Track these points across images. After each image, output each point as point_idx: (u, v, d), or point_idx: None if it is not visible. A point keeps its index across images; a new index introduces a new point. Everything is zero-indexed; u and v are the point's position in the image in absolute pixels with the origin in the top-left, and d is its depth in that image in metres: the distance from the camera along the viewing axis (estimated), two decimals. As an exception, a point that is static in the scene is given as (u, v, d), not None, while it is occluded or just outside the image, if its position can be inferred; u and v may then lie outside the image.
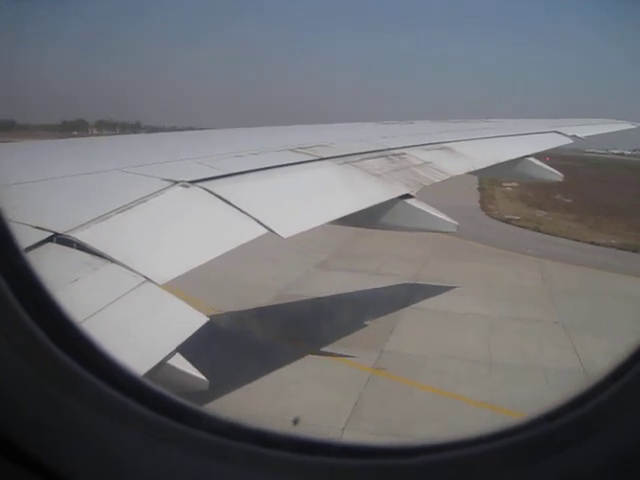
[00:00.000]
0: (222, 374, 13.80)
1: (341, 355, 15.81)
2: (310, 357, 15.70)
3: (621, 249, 30.97)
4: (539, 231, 35.58)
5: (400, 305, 19.95)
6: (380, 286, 22.27)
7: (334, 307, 19.60)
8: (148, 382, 2.02)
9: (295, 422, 10.96)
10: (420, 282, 22.90)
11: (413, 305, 20.25)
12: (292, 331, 17.00)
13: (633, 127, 23.65)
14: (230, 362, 14.24)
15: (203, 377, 4.80)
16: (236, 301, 18.59)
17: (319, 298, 20.31)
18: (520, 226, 37.34)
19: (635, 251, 30.21)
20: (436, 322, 18.88)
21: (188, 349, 4.61)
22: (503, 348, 17.09)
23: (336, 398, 13.75)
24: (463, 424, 11.70)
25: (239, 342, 15.59)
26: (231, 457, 1.77)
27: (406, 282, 22.78)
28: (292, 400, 13.28)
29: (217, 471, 1.77)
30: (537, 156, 16.80)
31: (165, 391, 1.94)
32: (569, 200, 49.96)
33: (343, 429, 12.22)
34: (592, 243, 32.19)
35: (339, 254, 26.14)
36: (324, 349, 16.03)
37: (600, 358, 14.98)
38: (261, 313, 18.45)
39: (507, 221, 38.91)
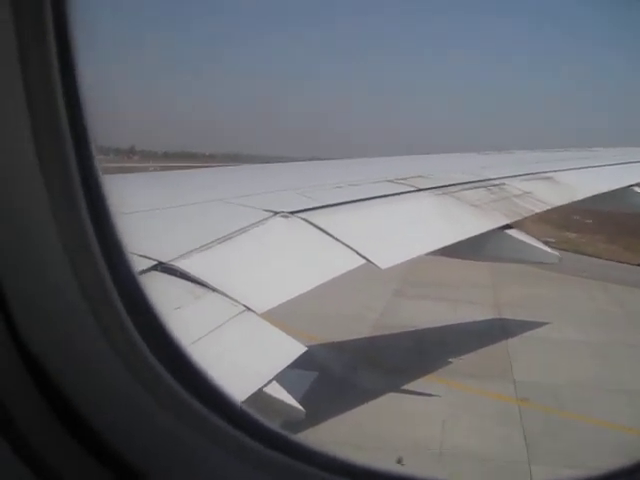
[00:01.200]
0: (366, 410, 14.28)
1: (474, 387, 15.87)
2: (445, 387, 15.70)
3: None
4: (581, 253, 34.61)
5: (498, 334, 19.82)
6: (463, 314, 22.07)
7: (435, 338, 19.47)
8: (250, 411, 2.05)
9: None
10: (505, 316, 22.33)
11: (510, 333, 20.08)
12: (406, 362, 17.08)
13: None
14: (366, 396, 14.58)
15: (300, 406, 4.83)
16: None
17: (417, 329, 20.13)
18: (560, 249, 36.10)
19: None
20: (541, 349, 18.65)
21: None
22: (626, 373, 16.88)
23: (501, 431, 13.74)
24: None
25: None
26: None
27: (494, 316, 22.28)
28: (455, 436, 13.40)
29: None
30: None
31: (267, 421, 1.96)
32: (589, 221, 47.95)
33: (529, 463, 12.34)
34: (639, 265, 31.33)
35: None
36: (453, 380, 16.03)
37: None
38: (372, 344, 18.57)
39: (545, 243, 37.62)
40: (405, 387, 15.24)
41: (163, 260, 4.92)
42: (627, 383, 16.21)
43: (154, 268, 4.78)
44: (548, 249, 11.53)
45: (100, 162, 1.81)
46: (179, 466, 1.82)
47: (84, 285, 1.76)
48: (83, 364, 1.80)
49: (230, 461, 1.81)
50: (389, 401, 14.63)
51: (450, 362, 17.00)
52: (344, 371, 16.18)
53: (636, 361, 17.79)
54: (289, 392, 4.74)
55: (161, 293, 4.73)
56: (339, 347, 17.70)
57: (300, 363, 4.77)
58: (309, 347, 5.11)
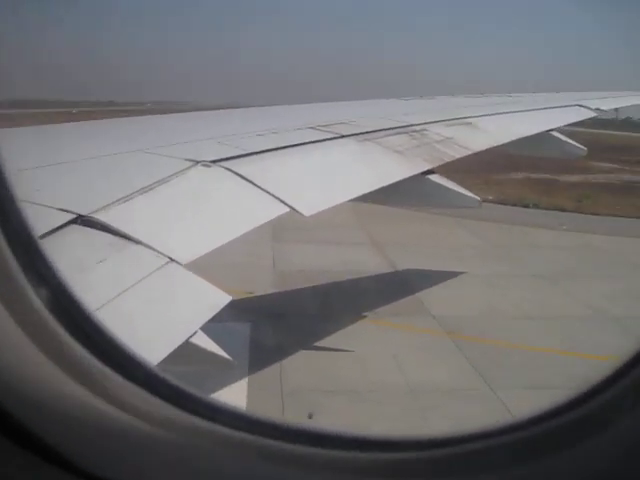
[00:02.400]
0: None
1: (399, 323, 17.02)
2: (372, 326, 16.67)
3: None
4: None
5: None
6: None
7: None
8: (160, 372, 2.03)
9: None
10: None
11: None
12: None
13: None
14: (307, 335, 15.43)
15: (227, 355, 4.84)
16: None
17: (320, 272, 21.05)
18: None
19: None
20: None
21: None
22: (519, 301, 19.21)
23: (457, 366, 14.77)
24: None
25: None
26: (245, 450, 1.79)
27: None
28: (412, 373, 14.23)
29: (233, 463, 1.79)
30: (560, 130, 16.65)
31: (178, 382, 1.94)
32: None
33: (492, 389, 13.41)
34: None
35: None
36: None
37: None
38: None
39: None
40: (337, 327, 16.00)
41: (83, 213, 4.82)
42: (525, 310, 18.43)
43: (74, 221, 4.69)
44: (469, 193, 11.68)
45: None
46: (94, 436, 1.80)
47: None
48: None
49: (154, 431, 1.80)
50: (333, 343, 15.21)
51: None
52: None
53: (520, 290, 20.29)
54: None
55: (82, 246, 4.66)
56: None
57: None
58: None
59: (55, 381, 1.77)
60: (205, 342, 4.58)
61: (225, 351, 4.88)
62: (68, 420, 1.77)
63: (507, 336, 16.29)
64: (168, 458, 1.80)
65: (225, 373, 11.78)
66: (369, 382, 13.74)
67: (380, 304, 17.98)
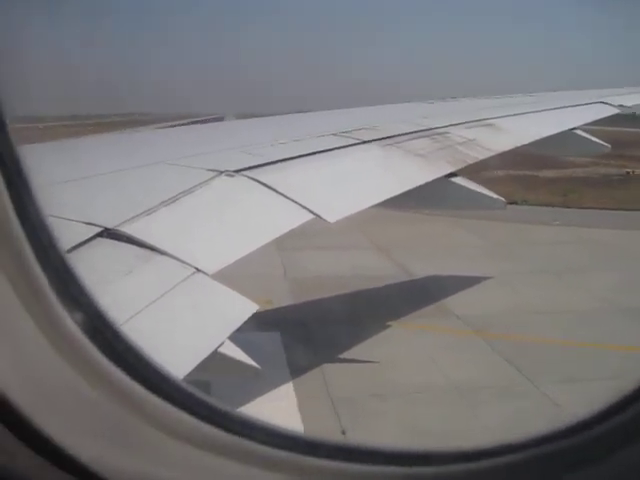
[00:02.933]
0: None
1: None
2: (401, 330, 16.69)
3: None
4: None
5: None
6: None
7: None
8: (185, 386, 2.03)
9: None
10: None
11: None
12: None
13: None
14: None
15: (254, 363, 4.84)
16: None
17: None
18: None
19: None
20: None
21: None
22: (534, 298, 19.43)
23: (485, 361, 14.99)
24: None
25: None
26: (276, 466, 1.78)
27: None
28: (448, 376, 14.28)
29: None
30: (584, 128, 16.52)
31: (207, 397, 1.94)
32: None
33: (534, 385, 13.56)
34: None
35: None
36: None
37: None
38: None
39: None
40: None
41: (109, 226, 4.85)
42: (541, 305, 18.60)
43: (100, 235, 4.72)
44: (494, 195, 11.61)
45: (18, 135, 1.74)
46: (123, 451, 1.80)
47: (9, 274, 1.70)
48: (13, 357, 1.74)
49: (175, 442, 1.79)
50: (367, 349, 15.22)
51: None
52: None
53: (533, 287, 20.40)
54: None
55: (109, 259, 4.69)
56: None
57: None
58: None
59: (83, 396, 1.77)
60: (233, 351, 4.59)
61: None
62: (98, 436, 1.78)
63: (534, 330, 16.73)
64: (198, 474, 1.80)
65: (268, 383, 11.91)
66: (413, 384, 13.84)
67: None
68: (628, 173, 50.43)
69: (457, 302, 18.66)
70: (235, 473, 1.77)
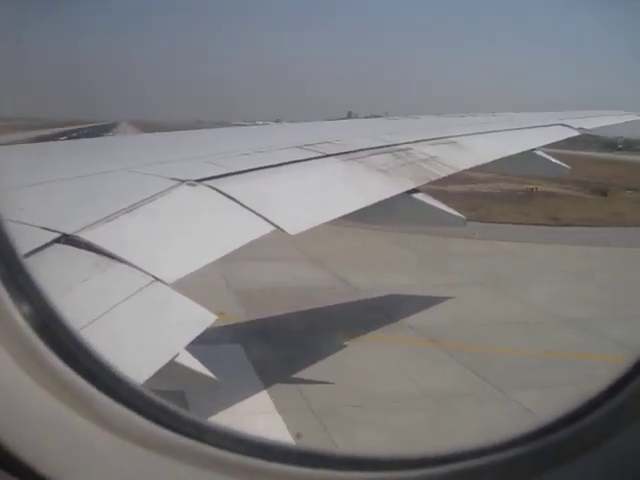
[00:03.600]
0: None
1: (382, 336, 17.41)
2: (357, 343, 16.80)
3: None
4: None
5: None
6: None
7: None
8: (147, 392, 2.01)
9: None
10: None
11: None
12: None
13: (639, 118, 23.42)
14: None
15: (211, 374, 4.81)
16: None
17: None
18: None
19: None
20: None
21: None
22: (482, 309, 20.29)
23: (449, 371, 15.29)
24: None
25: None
26: (231, 470, 1.77)
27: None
28: (414, 385, 14.56)
29: None
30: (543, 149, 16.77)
31: (165, 402, 1.93)
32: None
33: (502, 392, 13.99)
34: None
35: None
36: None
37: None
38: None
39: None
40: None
41: (67, 232, 4.80)
42: (490, 315, 19.49)
43: (57, 240, 4.66)
44: (454, 212, 11.68)
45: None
46: (79, 457, 1.77)
47: None
48: None
49: (138, 451, 1.77)
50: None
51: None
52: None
53: (477, 297, 21.57)
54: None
55: (66, 266, 4.63)
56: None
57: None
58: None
59: (38, 401, 1.75)
60: (190, 361, 4.56)
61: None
62: (52, 441, 1.75)
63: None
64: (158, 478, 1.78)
65: (240, 393, 11.87)
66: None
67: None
68: (532, 190, 54.05)
69: (412, 316, 19.06)
70: (188, 475, 1.75)
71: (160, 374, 3.91)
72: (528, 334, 17.91)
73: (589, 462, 1.63)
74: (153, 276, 4.79)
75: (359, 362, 15.52)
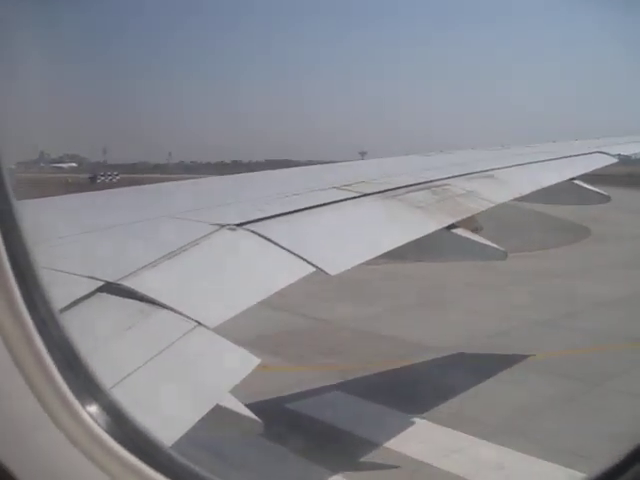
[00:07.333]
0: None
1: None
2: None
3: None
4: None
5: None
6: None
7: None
8: (176, 455, 2.00)
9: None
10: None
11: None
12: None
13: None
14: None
15: (257, 418, 4.80)
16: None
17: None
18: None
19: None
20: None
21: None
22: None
23: None
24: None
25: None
26: None
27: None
28: None
29: None
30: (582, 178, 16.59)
31: (191, 464, 1.91)
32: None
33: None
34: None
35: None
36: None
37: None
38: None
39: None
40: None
41: (110, 280, 4.87)
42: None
43: (101, 289, 4.74)
44: (495, 245, 11.62)
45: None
46: None
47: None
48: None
49: None
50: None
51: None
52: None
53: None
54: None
55: (111, 313, 4.69)
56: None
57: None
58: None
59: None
60: (235, 405, 4.56)
61: None
62: None
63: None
64: None
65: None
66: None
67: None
68: None
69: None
70: None
71: (206, 419, 3.92)
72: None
73: None
74: (196, 321, 4.83)
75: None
